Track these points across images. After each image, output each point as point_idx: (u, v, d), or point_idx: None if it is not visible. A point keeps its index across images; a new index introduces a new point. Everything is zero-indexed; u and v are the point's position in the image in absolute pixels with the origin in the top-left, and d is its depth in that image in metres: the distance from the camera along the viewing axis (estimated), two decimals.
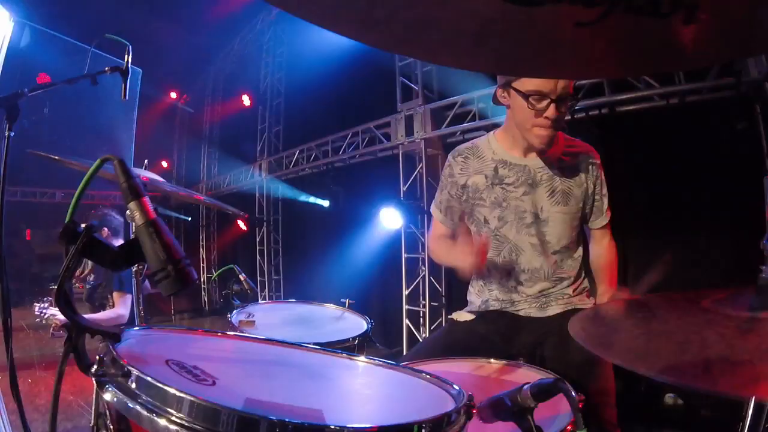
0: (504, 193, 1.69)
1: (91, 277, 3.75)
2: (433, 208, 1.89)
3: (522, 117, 1.58)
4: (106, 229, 3.41)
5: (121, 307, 3.19)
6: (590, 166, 1.71)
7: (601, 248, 1.81)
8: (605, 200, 1.76)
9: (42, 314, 3.12)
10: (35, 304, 3.16)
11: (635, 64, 0.81)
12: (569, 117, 3.36)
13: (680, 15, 0.59)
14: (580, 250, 1.76)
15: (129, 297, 3.20)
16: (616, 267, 1.81)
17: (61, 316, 2.92)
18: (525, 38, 0.68)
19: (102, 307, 3.42)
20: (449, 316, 1.93)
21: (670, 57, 0.72)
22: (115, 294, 3.22)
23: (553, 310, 1.70)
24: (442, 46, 0.72)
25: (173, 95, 10.56)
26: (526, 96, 1.51)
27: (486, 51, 0.72)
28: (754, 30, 0.64)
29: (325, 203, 6.20)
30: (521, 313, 1.72)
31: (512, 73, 1.49)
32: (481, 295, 1.80)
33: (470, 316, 1.79)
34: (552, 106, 1.51)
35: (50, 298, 3.17)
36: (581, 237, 1.78)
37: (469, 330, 1.74)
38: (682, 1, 0.59)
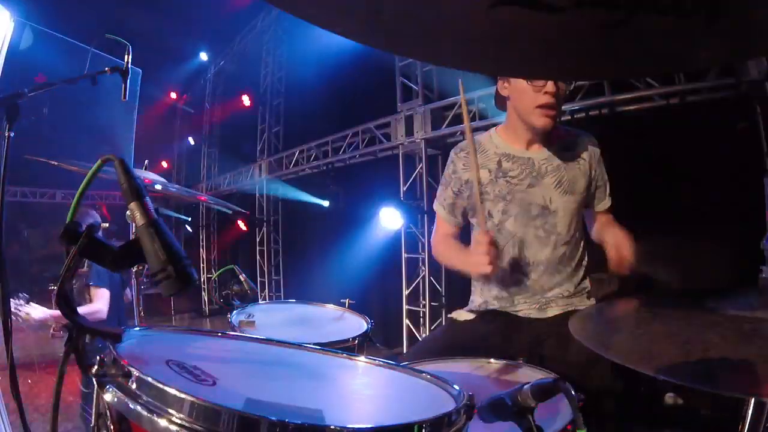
0: (508, 186, 1.69)
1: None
2: (436, 206, 1.87)
3: (524, 100, 1.61)
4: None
5: (98, 302, 3.05)
6: (591, 152, 1.73)
7: (605, 223, 1.77)
8: (607, 184, 1.79)
9: (17, 311, 2.93)
10: (12, 300, 2.96)
11: (650, 64, 0.81)
12: (569, 116, 3.37)
13: (702, 15, 0.59)
14: (583, 243, 1.76)
15: (105, 291, 3.06)
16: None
17: (36, 314, 2.88)
18: (545, 42, 0.68)
19: (77, 304, 3.30)
20: (449, 316, 1.92)
21: (686, 57, 0.72)
22: (91, 289, 3.10)
23: (553, 311, 1.70)
24: (465, 51, 0.72)
25: (173, 95, 10.57)
26: None
27: (510, 55, 0.72)
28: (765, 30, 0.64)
29: (325, 203, 6.20)
30: (521, 314, 1.71)
31: (533, 76, 1.48)
32: (482, 295, 1.79)
33: (470, 316, 1.79)
34: (550, 81, 1.53)
35: (26, 295, 3.06)
36: (584, 228, 1.78)
37: (469, 330, 1.74)
38: (704, 0, 0.59)
